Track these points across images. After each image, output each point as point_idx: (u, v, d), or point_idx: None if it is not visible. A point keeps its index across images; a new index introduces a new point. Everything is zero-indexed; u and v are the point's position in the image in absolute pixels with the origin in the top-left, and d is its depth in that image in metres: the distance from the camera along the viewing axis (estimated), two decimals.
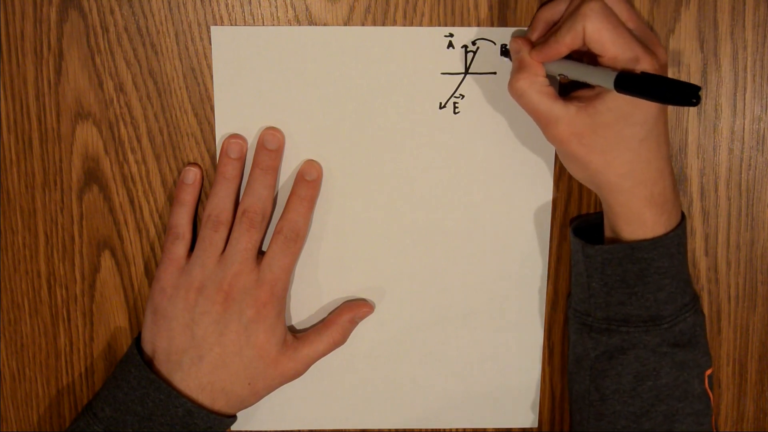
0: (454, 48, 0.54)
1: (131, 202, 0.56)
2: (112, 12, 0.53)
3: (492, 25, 0.54)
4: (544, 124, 0.49)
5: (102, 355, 0.59)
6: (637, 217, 0.50)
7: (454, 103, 0.55)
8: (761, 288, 0.59)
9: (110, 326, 0.58)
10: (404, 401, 0.59)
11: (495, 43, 0.54)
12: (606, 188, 0.50)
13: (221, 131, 0.55)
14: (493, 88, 0.54)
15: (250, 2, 0.53)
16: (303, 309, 0.58)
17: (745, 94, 0.56)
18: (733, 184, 0.57)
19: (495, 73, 0.54)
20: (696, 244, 0.58)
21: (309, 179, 0.55)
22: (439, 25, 0.54)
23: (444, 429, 0.60)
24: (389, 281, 0.57)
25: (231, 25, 0.53)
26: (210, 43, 0.54)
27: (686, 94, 0.42)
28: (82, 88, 0.54)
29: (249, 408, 0.57)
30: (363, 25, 0.54)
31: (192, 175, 0.55)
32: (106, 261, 0.57)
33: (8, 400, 0.59)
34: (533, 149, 0.56)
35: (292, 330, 0.58)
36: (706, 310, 0.59)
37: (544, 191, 0.56)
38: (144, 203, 0.56)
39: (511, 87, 0.50)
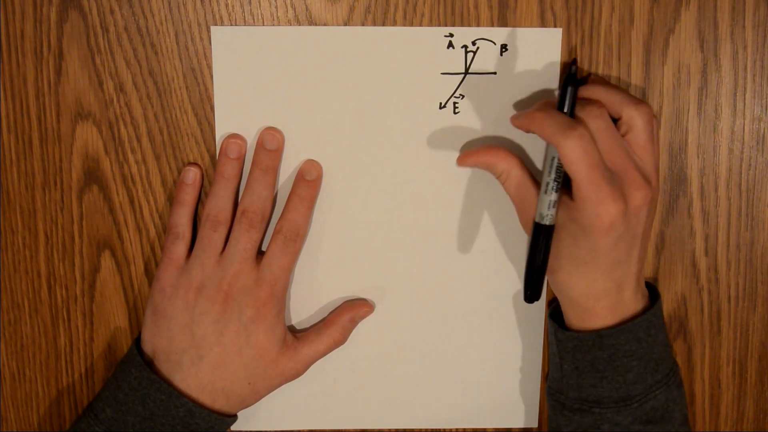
0: (454, 48, 0.54)
1: (131, 202, 0.56)
2: (112, 12, 0.53)
3: (492, 25, 0.54)
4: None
5: (102, 355, 0.59)
6: (613, 313, 0.51)
7: (454, 103, 0.55)
8: (761, 288, 0.59)
9: (110, 326, 0.58)
10: (404, 401, 0.59)
11: (495, 43, 0.54)
12: (583, 296, 0.51)
13: (221, 131, 0.55)
14: (493, 88, 0.54)
15: (250, 2, 0.53)
16: (303, 308, 0.58)
17: (745, 94, 0.56)
18: (733, 184, 0.57)
19: (495, 73, 0.54)
20: (696, 244, 0.58)
21: (309, 179, 0.55)
22: (439, 25, 0.54)
23: (444, 429, 0.60)
24: (389, 281, 0.57)
25: (231, 25, 0.54)
26: (210, 43, 0.54)
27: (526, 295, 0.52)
28: (82, 88, 0.54)
29: (249, 408, 0.57)
30: (363, 25, 0.54)
31: (192, 175, 0.55)
32: (106, 261, 0.57)
33: (8, 400, 0.59)
34: (533, 149, 0.56)
35: (291, 330, 0.58)
36: (705, 310, 0.59)
37: None
38: (144, 203, 0.56)
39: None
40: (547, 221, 0.50)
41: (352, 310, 0.56)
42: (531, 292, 0.51)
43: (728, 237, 0.58)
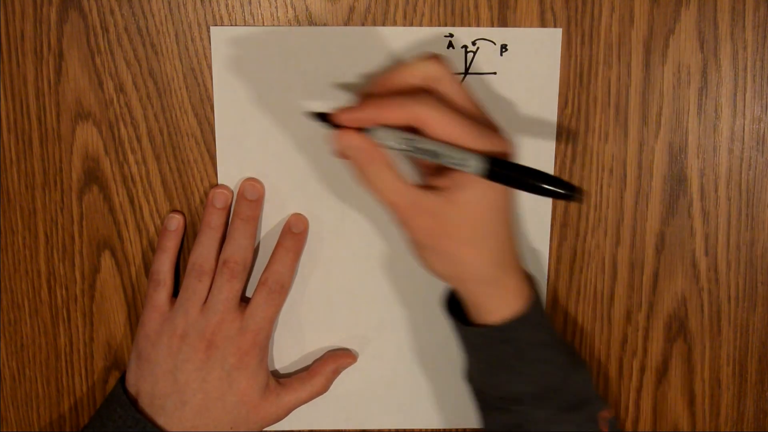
0: (454, 48, 0.54)
1: (131, 202, 0.56)
2: (112, 12, 0.53)
3: (492, 25, 0.54)
4: (408, 217, 0.46)
5: (102, 355, 0.59)
6: (507, 304, 0.49)
7: None
8: (761, 288, 0.59)
9: (110, 326, 0.58)
10: (404, 401, 0.59)
11: (495, 43, 0.54)
12: (474, 281, 0.49)
13: (221, 131, 0.55)
14: (493, 88, 0.54)
15: (250, 2, 0.53)
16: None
17: (745, 94, 0.56)
18: (733, 184, 0.57)
19: (495, 73, 0.54)
20: (696, 244, 0.58)
21: (296, 231, 0.55)
22: (439, 25, 0.54)
23: (444, 429, 0.60)
24: (391, 279, 0.57)
25: (231, 25, 0.53)
26: (210, 43, 0.54)
27: (572, 189, 0.42)
28: (82, 88, 0.54)
29: None
30: (363, 25, 0.54)
31: (175, 222, 0.55)
32: (106, 261, 0.57)
33: (8, 400, 0.59)
34: (533, 149, 0.56)
35: (275, 374, 0.58)
36: (705, 310, 0.59)
37: None
38: (144, 203, 0.56)
39: (369, 183, 0.46)
40: None
41: (335, 361, 0.57)
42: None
43: (728, 237, 0.58)
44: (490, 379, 0.51)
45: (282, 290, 0.54)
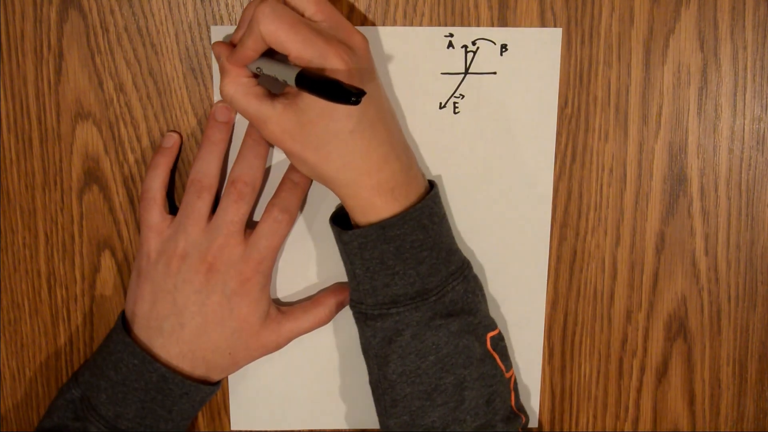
0: (454, 48, 0.54)
1: (131, 202, 0.56)
2: (112, 12, 0.53)
3: (492, 25, 0.54)
4: (257, 125, 0.49)
5: None
6: (369, 206, 0.50)
7: (454, 103, 0.55)
8: (761, 288, 0.59)
9: (110, 326, 0.58)
10: None
11: (495, 43, 0.54)
12: (331, 183, 0.50)
13: None
14: (493, 88, 0.55)
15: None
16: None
17: (745, 94, 0.56)
18: (733, 184, 0.57)
19: (495, 73, 0.54)
20: (696, 244, 0.58)
21: None
22: (439, 25, 0.54)
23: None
24: None
25: (231, 24, 0.54)
26: (210, 43, 0.54)
27: (349, 95, 0.43)
28: (82, 88, 0.54)
29: (248, 407, 0.57)
30: (363, 24, 0.54)
31: (172, 140, 0.54)
32: (106, 261, 0.57)
33: (8, 400, 0.59)
34: (533, 149, 0.56)
35: (277, 302, 0.57)
36: (705, 310, 0.59)
37: (544, 191, 0.56)
38: None
39: (221, 93, 0.50)
40: None
41: (342, 294, 0.56)
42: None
43: (728, 237, 0.58)
44: (370, 284, 0.51)
45: (289, 221, 0.53)
